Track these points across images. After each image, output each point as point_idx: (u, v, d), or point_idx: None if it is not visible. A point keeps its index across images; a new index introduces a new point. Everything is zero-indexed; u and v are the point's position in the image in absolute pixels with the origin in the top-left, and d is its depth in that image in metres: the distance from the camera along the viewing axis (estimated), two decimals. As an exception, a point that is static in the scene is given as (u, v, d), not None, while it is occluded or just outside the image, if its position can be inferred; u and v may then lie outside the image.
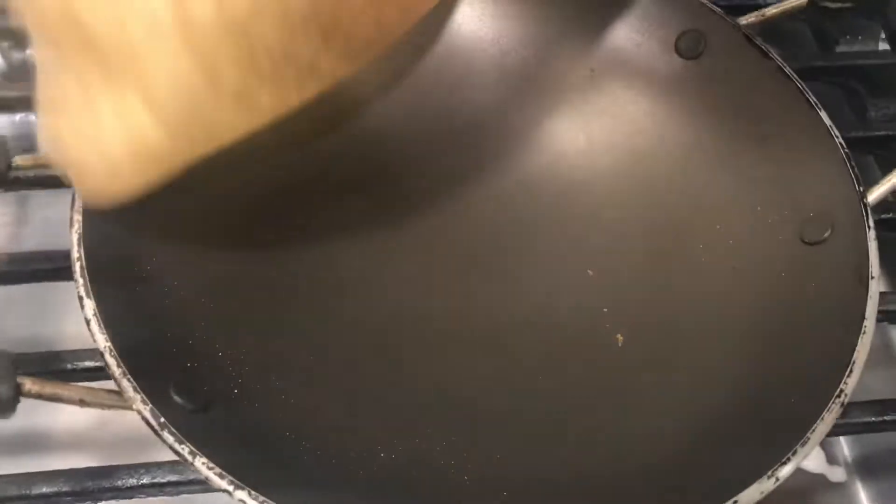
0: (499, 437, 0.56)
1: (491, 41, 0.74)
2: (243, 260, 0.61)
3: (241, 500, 0.45)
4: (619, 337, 0.62)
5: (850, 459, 0.72)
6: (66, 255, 0.54)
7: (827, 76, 0.81)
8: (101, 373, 0.52)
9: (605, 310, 0.64)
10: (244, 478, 0.45)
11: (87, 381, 0.57)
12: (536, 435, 0.56)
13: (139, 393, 0.47)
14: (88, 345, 0.51)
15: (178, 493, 0.57)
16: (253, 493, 0.45)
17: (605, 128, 0.71)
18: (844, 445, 0.72)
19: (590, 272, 0.66)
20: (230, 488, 0.45)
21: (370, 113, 0.69)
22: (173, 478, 0.56)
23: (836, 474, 0.70)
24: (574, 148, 0.71)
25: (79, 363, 0.59)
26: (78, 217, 0.53)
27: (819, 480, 0.68)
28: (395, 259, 0.65)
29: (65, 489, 0.55)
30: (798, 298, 0.58)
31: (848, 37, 0.88)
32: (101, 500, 0.56)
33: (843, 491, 0.71)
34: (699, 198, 0.66)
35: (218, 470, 0.45)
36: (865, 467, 0.72)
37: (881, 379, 0.70)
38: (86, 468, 0.56)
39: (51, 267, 0.64)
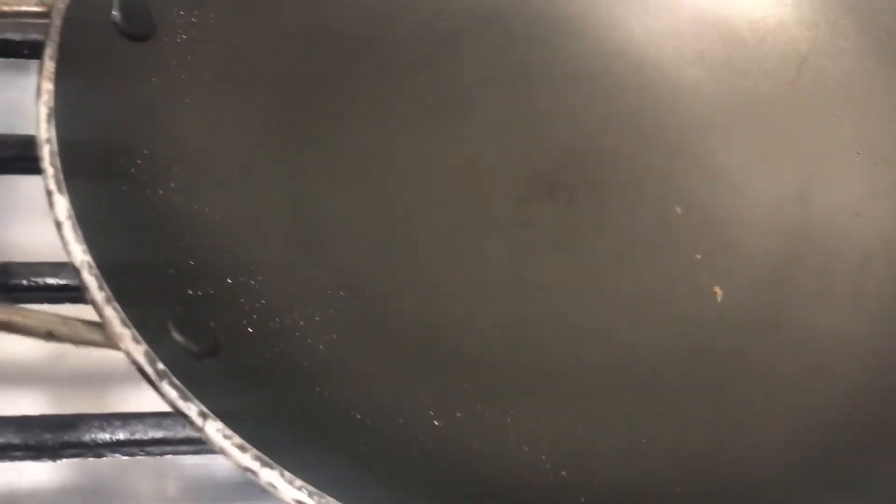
0: (574, 407, 0.44)
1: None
2: (263, 152, 0.47)
3: (269, 483, 0.32)
4: (718, 291, 0.50)
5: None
6: (28, 141, 0.40)
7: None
8: (73, 293, 0.38)
9: (699, 256, 0.51)
10: (273, 452, 0.32)
11: (53, 304, 0.43)
12: (620, 412, 0.44)
13: (129, 327, 0.34)
14: (57, 257, 0.37)
15: (162, 454, 0.44)
16: (286, 473, 0.31)
17: (699, 32, 0.58)
18: None
19: (678, 209, 0.53)
20: (255, 466, 0.32)
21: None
22: (158, 434, 0.43)
23: None
24: (657, 54, 0.58)
25: (42, 279, 0.45)
26: (48, 86, 0.38)
27: None
28: (435, 181, 0.52)
29: (15, 441, 0.42)
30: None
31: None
32: (61, 457, 0.43)
33: None
34: (814, 123, 0.54)
35: (238, 440, 0.32)
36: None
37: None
38: (42, 416, 0.43)
39: (6, 156, 0.49)
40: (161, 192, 0.43)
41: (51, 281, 0.46)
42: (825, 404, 0.45)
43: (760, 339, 0.48)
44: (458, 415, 0.43)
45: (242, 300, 0.43)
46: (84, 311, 0.36)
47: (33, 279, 0.47)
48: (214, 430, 0.33)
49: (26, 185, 0.46)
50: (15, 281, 0.46)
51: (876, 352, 0.46)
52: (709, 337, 0.49)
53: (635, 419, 0.45)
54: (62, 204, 0.37)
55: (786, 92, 0.56)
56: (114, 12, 0.45)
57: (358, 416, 0.40)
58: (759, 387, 0.46)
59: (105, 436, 0.44)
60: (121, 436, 0.44)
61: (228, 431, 0.33)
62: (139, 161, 0.43)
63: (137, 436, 0.44)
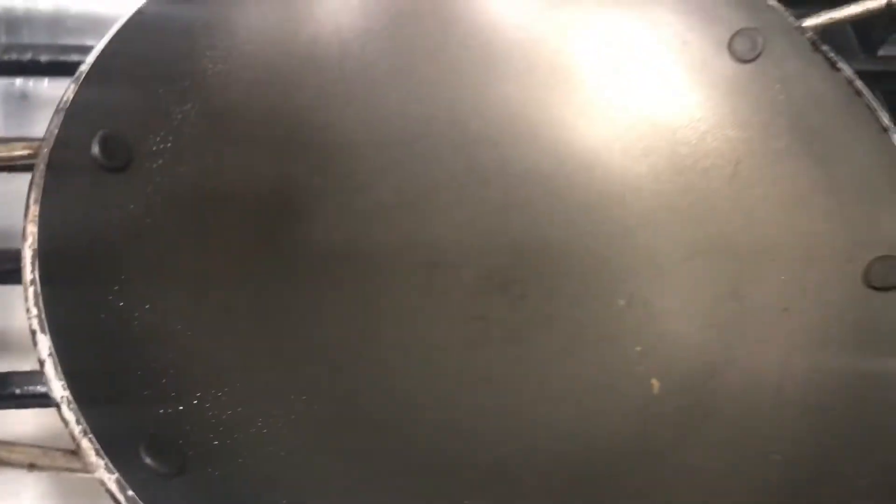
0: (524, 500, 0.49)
1: (518, 26, 0.64)
2: (234, 264, 0.52)
3: None
4: (655, 383, 0.54)
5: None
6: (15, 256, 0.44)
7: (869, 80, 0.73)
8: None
9: (639, 349, 0.55)
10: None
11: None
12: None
13: (102, 457, 0.38)
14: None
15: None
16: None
17: (643, 132, 0.62)
18: None
19: (621, 302, 0.57)
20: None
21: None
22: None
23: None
24: (607, 153, 0.62)
25: (30, 388, 0.50)
26: (33, 229, 0.43)
27: None
28: (396, 278, 0.57)
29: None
30: (867, 352, 0.50)
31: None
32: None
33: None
34: (748, 220, 0.58)
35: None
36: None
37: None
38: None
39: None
40: (137, 314, 0.48)
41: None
42: (752, 499, 0.49)
43: (692, 432, 0.52)
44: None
45: (210, 414, 0.47)
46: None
47: (28, 388, 0.51)
48: (177, 552, 0.38)
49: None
50: (11, 390, 0.50)
51: (800, 443, 0.50)
52: (646, 429, 0.53)
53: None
54: (44, 343, 0.42)
55: (723, 189, 0.61)
56: (93, 149, 0.50)
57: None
58: (689, 481, 0.50)
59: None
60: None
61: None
62: (117, 287, 0.48)
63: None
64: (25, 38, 0.74)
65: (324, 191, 0.59)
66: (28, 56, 0.65)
